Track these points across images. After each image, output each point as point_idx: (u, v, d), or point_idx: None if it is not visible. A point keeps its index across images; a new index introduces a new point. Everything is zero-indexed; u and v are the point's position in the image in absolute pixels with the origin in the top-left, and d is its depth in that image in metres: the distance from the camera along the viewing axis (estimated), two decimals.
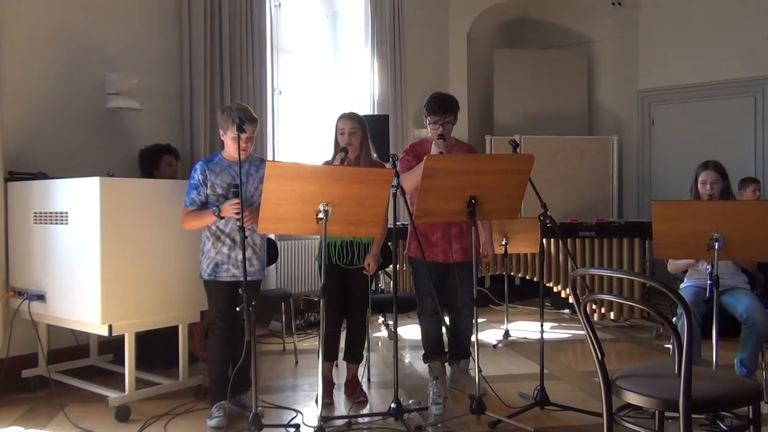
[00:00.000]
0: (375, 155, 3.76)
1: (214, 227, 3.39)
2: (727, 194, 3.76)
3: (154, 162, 4.51)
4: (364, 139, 3.64)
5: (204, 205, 3.40)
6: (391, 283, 3.53)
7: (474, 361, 3.44)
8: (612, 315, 5.70)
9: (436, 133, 3.76)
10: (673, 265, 3.83)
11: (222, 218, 3.32)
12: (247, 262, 3.35)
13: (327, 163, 3.64)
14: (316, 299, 5.61)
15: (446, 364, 4.03)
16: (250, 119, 3.31)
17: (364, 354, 3.87)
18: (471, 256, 3.77)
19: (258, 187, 3.41)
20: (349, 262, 3.62)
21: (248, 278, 3.26)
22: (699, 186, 3.74)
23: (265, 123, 5.64)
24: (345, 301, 3.68)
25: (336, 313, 3.65)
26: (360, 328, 3.78)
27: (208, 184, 3.37)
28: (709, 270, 3.19)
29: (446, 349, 4.02)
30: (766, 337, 3.46)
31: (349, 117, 3.65)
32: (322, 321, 3.19)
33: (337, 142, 3.64)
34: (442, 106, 3.79)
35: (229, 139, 3.36)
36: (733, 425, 3.04)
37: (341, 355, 3.88)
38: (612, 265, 5.58)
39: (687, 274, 3.86)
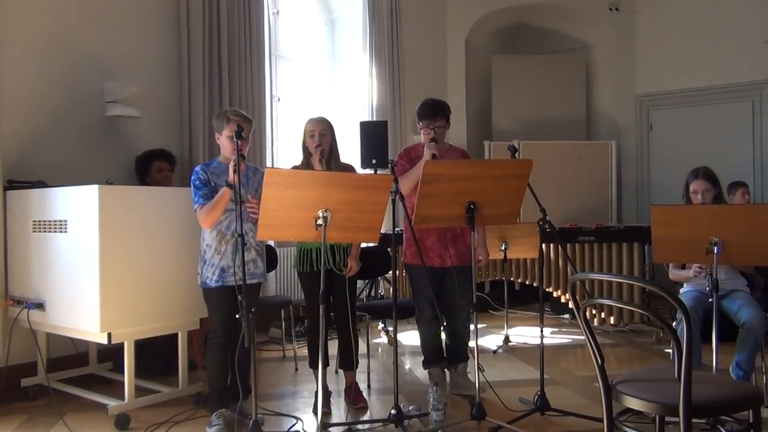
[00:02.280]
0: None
1: (215, 231, 3.39)
2: (719, 200, 3.76)
3: (145, 168, 4.52)
4: (333, 142, 3.65)
5: None
6: (391, 289, 3.53)
7: (474, 366, 3.42)
8: (612, 320, 5.70)
9: (427, 138, 3.78)
10: (674, 275, 3.83)
11: (231, 187, 3.25)
12: (252, 264, 3.42)
13: (296, 167, 3.64)
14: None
15: (446, 369, 4.02)
16: (245, 121, 3.39)
17: (360, 360, 3.83)
18: (466, 260, 3.78)
19: (258, 189, 3.42)
20: (331, 267, 3.59)
21: (252, 280, 3.35)
22: (691, 195, 3.73)
23: (264, 130, 5.65)
24: (329, 307, 3.65)
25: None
26: (347, 334, 3.68)
27: (211, 185, 3.38)
28: (709, 288, 3.18)
29: (446, 355, 4.02)
30: (765, 340, 3.45)
31: (318, 120, 3.64)
32: (322, 329, 3.19)
33: (305, 147, 3.64)
34: (433, 110, 3.81)
35: (224, 138, 3.39)
36: (734, 430, 3.03)
37: (336, 363, 3.86)
38: (611, 270, 5.58)
39: None
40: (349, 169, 3.76)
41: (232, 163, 3.20)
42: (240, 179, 3.17)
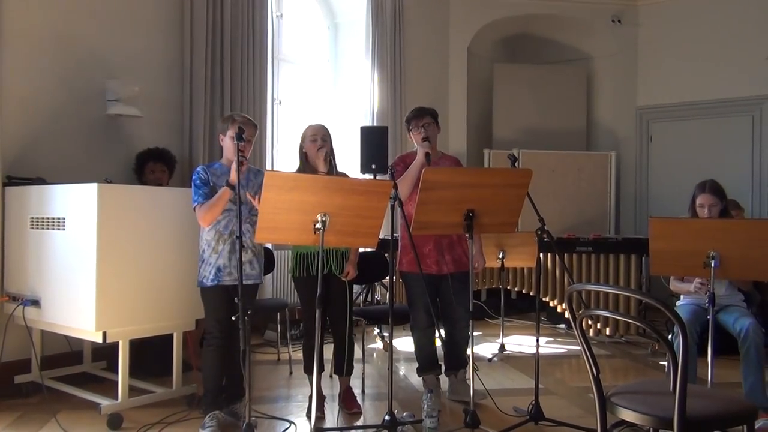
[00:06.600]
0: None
1: (213, 231, 3.39)
2: (726, 214, 3.76)
3: (139, 168, 4.53)
4: (331, 151, 3.67)
5: None
6: (387, 294, 3.53)
7: (470, 374, 3.42)
8: (608, 331, 5.69)
9: (419, 137, 3.85)
10: (675, 286, 3.83)
11: (232, 187, 3.27)
12: (248, 265, 3.44)
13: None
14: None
15: (444, 375, 4.02)
16: (249, 124, 3.42)
17: (355, 365, 3.81)
18: (462, 266, 3.79)
19: (258, 192, 3.43)
20: (328, 271, 3.59)
21: (247, 281, 3.34)
22: (697, 209, 3.72)
23: (265, 133, 5.65)
24: (325, 312, 3.64)
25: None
26: (343, 340, 3.67)
27: (210, 185, 3.39)
28: (709, 303, 3.17)
29: (440, 363, 4.02)
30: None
31: (320, 126, 3.71)
32: (318, 333, 3.18)
33: (303, 152, 3.66)
34: (419, 111, 3.95)
35: (228, 139, 3.42)
36: None
37: (331, 368, 3.85)
38: (608, 281, 5.58)
39: None
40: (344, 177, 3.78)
41: (234, 164, 3.22)
42: (239, 180, 3.17)
